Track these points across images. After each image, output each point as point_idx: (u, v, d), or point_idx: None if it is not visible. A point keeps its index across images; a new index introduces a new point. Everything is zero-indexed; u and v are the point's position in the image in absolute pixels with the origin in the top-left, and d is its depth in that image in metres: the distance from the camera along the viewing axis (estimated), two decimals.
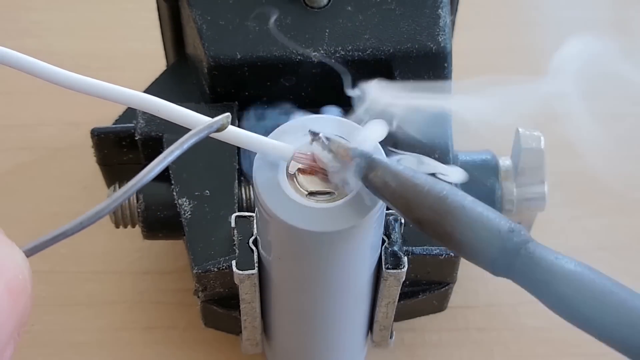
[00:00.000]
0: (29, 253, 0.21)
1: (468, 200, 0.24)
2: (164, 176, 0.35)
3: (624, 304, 0.22)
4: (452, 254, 0.34)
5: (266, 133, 0.27)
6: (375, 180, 0.25)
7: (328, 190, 0.26)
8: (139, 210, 0.36)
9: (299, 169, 0.27)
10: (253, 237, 0.31)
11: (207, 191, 0.34)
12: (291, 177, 0.27)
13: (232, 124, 0.35)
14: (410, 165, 0.26)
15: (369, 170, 0.25)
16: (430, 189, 0.24)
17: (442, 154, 0.35)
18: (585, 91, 0.26)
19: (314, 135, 0.26)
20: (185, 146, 0.24)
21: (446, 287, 0.36)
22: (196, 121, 0.25)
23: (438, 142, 0.35)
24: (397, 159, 0.26)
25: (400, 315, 0.36)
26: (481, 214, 0.23)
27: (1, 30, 0.51)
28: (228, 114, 0.26)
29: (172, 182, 0.35)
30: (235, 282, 0.31)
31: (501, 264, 0.23)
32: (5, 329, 0.19)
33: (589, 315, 0.23)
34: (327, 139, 0.26)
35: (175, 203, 0.34)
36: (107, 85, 0.25)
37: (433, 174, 0.25)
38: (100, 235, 0.43)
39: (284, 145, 0.26)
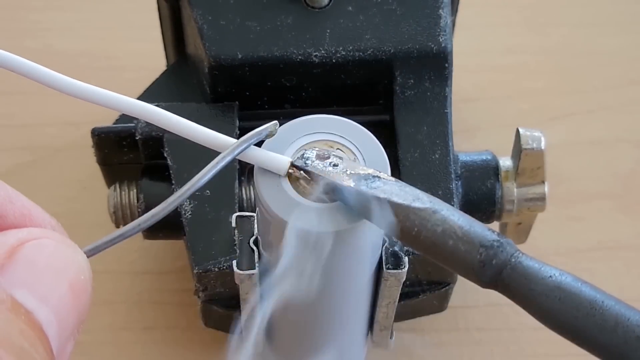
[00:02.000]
0: (90, 254, 0.22)
1: (439, 233, 0.24)
2: (164, 176, 0.35)
3: (609, 314, 0.22)
4: None
5: None
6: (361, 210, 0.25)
7: None
8: (139, 210, 0.36)
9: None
10: (254, 237, 0.31)
11: (207, 191, 0.34)
12: (293, 177, 0.27)
13: (233, 123, 0.35)
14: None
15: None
16: (403, 227, 0.24)
17: (442, 155, 0.35)
18: None
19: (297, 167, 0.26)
20: (237, 152, 0.25)
21: (446, 287, 0.37)
22: (194, 130, 0.25)
23: (438, 142, 0.35)
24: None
25: (400, 316, 0.36)
26: (469, 231, 0.24)
27: (1, 30, 0.51)
28: (276, 121, 0.26)
29: (173, 182, 0.35)
30: (236, 282, 0.31)
31: (488, 276, 0.24)
32: (68, 326, 0.20)
33: (573, 327, 0.23)
34: (308, 172, 0.26)
35: None
36: (110, 93, 0.25)
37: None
38: (100, 235, 0.43)
39: (280, 157, 0.26)
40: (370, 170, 0.26)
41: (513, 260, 0.23)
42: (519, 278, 0.23)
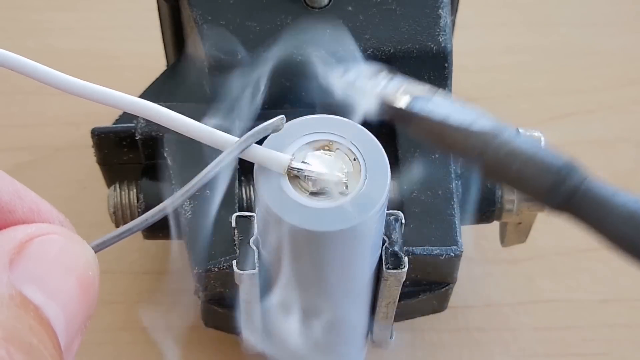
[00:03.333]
0: (97, 249, 0.22)
1: (502, 156, 0.23)
2: (164, 176, 0.35)
3: None
4: (453, 254, 0.34)
5: None
6: (415, 130, 0.25)
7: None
8: (139, 210, 0.36)
9: None
10: (254, 237, 0.31)
11: (207, 191, 0.34)
12: (293, 176, 0.27)
13: (232, 125, 0.35)
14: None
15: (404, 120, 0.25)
16: (465, 148, 0.24)
17: (442, 154, 0.35)
18: None
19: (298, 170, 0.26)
20: (245, 146, 0.25)
21: (446, 287, 0.36)
22: (197, 128, 0.25)
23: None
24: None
25: (400, 315, 0.36)
26: (535, 154, 0.23)
27: (1, 30, 0.51)
28: (282, 116, 0.26)
29: (173, 182, 0.35)
30: (236, 282, 0.31)
31: (557, 201, 0.23)
32: (76, 321, 0.20)
33: None
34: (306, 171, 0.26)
35: None
36: (112, 91, 0.25)
37: None
38: (100, 236, 0.43)
39: (280, 155, 0.26)
40: (426, 89, 0.25)
41: (584, 186, 0.23)
42: (591, 204, 0.22)
